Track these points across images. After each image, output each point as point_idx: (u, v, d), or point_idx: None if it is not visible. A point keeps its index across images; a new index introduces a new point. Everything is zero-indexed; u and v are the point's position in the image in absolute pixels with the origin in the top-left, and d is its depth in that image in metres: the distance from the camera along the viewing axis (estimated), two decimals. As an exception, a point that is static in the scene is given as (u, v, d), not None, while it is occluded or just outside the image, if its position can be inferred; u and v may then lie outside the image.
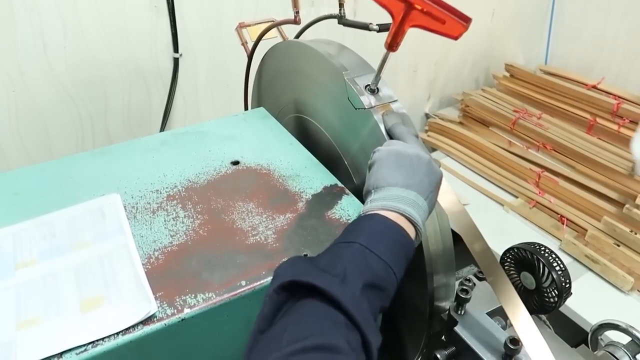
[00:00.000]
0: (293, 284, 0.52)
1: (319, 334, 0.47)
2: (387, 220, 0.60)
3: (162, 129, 1.57)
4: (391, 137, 0.73)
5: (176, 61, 1.49)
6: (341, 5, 0.93)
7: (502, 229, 1.69)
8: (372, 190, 0.64)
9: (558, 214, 1.72)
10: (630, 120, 1.78)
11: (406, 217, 0.61)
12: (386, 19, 0.92)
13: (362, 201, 0.70)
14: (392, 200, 0.61)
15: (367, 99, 0.77)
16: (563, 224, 1.69)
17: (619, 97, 1.84)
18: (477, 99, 2.11)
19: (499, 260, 0.82)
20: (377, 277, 0.55)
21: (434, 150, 2.11)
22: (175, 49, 1.47)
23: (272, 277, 0.56)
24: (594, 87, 1.92)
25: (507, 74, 2.21)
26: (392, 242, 0.58)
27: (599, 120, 1.85)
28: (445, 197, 0.74)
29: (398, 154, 0.65)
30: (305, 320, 0.49)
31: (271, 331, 0.50)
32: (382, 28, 0.85)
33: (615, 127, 1.80)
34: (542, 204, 1.76)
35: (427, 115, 2.29)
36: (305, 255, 0.66)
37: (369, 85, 0.78)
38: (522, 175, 1.86)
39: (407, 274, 0.61)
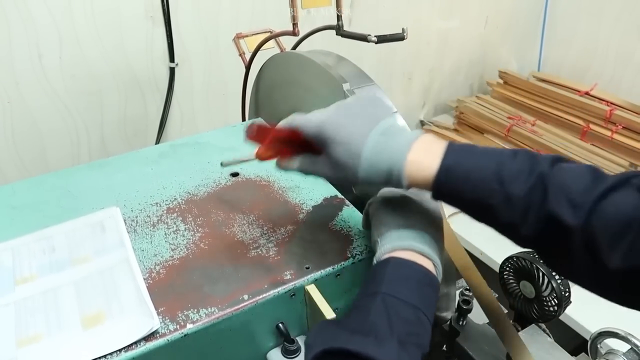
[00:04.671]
0: (326, 353, 0.50)
1: None
2: (402, 261, 0.58)
3: (159, 138, 1.56)
4: None
5: (172, 71, 1.49)
6: (339, 16, 0.93)
7: (497, 236, 1.68)
8: (378, 239, 0.62)
9: (553, 220, 1.73)
10: (623, 127, 1.79)
11: (419, 253, 0.59)
12: (381, 29, 0.93)
13: (362, 212, 0.70)
14: (400, 240, 0.60)
15: (367, 111, 0.77)
16: (558, 230, 1.70)
17: (611, 103, 1.86)
18: (472, 106, 2.12)
19: (497, 269, 0.83)
20: (409, 323, 0.53)
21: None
22: (172, 59, 1.47)
23: (305, 349, 0.54)
24: (587, 93, 1.94)
25: (501, 81, 2.22)
26: (413, 281, 0.56)
27: (592, 126, 1.87)
28: None
29: (391, 200, 0.65)
30: None
31: None
32: (381, 39, 0.85)
33: (608, 133, 1.82)
34: (538, 211, 1.77)
35: (422, 122, 2.30)
36: (308, 268, 0.66)
37: (368, 96, 0.78)
38: (517, 182, 1.86)
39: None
